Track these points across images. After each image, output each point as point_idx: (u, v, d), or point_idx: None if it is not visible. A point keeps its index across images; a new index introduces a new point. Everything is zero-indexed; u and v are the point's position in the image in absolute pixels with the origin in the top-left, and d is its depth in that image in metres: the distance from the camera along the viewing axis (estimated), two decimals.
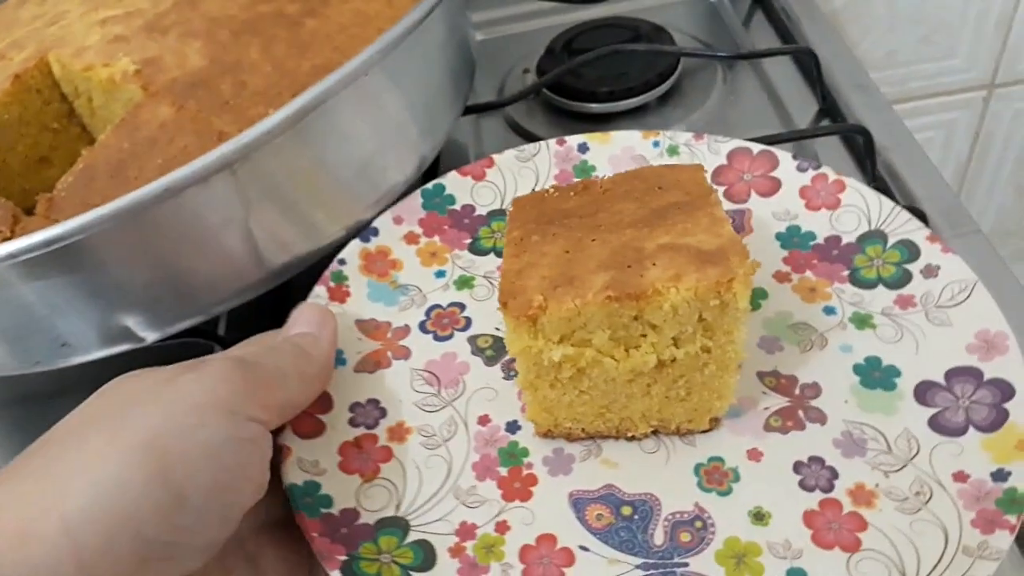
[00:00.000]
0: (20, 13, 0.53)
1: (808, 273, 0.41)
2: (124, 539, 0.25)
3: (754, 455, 0.35)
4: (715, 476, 0.34)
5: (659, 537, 0.33)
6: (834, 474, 0.34)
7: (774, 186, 0.45)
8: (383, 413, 0.37)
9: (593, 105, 0.61)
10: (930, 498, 0.32)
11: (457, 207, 0.45)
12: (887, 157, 0.56)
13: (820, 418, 0.36)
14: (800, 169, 0.44)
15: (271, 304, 0.47)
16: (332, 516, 0.33)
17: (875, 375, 0.37)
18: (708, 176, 0.44)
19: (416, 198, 0.45)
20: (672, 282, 0.31)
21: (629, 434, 0.36)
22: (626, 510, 0.33)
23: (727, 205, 0.45)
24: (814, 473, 0.34)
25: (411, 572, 0.32)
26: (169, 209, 0.34)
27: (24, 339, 0.38)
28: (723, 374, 0.34)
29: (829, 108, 0.60)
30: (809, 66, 0.61)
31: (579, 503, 0.34)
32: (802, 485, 0.34)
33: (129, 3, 0.49)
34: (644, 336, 0.32)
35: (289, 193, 0.39)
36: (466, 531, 0.33)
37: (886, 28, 0.80)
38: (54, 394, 0.48)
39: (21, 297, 0.35)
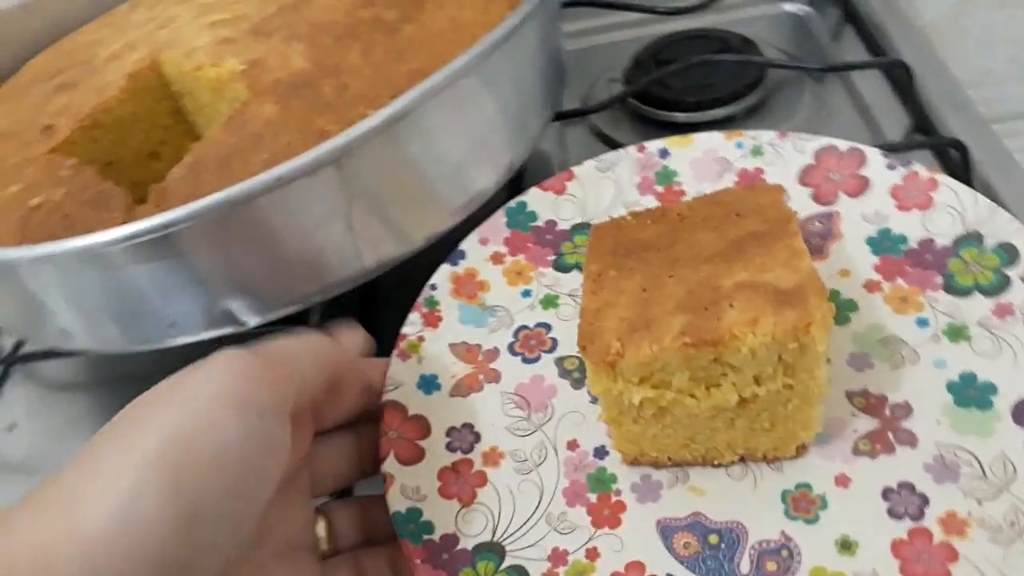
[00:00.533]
0: (132, 17, 0.57)
1: (900, 281, 0.40)
2: (143, 560, 0.24)
3: (842, 481, 0.35)
4: (802, 504, 0.35)
5: (745, 566, 0.34)
6: (924, 501, 0.34)
7: (863, 185, 0.44)
8: (477, 438, 0.39)
9: (679, 115, 0.60)
10: None
11: (540, 223, 0.46)
12: (983, 173, 0.52)
13: (911, 440, 0.35)
14: (890, 167, 0.43)
15: (359, 296, 0.49)
16: (433, 542, 0.36)
17: (970, 393, 0.36)
18: (795, 177, 0.44)
19: (500, 217, 0.46)
20: (749, 327, 0.31)
21: (716, 462, 0.36)
22: (713, 538, 0.35)
23: (814, 208, 0.44)
24: (903, 500, 0.34)
25: None
26: (277, 199, 0.37)
27: (135, 319, 0.42)
28: (807, 407, 0.34)
29: (921, 123, 0.57)
30: (901, 79, 0.58)
31: (667, 531, 0.35)
32: (891, 513, 0.34)
33: (236, 8, 0.52)
34: (724, 375, 0.33)
35: (382, 193, 0.41)
36: (558, 557, 0.35)
37: (981, 45, 0.76)
38: (154, 373, 0.53)
39: (134, 279, 0.39)
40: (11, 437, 0.51)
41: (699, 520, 0.35)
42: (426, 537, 0.36)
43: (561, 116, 0.60)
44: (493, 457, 0.39)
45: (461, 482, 0.38)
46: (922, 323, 0.39)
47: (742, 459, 0.36)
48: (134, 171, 0.51)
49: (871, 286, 0.41)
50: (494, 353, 0.42)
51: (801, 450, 0.36)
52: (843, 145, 0.45)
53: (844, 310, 0.40)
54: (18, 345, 0.54)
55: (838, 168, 0.44)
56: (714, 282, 0.33)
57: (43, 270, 0.39)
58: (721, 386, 0.33)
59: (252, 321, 0.42)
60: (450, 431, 0.40)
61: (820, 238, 0.43)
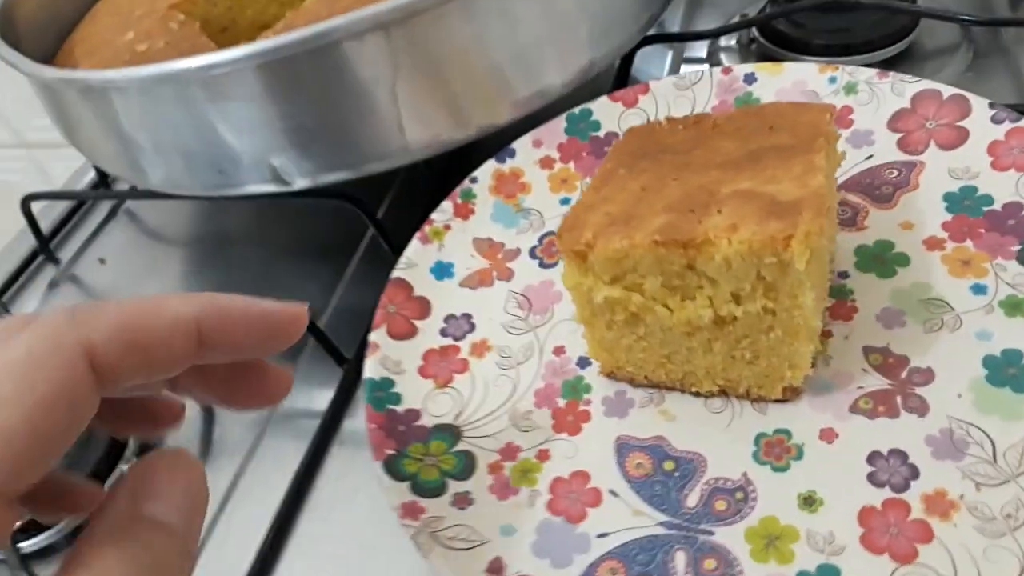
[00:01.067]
0: None
1: (968, 243, 0.35)
2: None
3: (827, 435, 0.31)
4: (775, 450, 0.31)
5: (693, 499, 0.31)
6: (914, 473, 0.29)
7: (959, 137, 0.38)
8: (472, 328, 0.39)
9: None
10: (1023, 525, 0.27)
11: (600, 134, 0.44)
12: None
13: (920, 409, 0.31)
14: (996, 120, 0.37)
15: (427, 197, 0.49)
16: (396, 413, 0.36)
17: (1008, 371, 0.31)
18: (885, 121, 0.39)
19: (560, 121, 0.45)
20: (727, 233, 0.28)
21: (694, 389, 0.34)
22: (668, 465, 0.32)
23: (897, 156, 0.39)
24: (890, 468, 0.30)
25: (448, 478, 0.33)
26: (324, 55, 0.38)
27: (192, 158, 0.44)
28: (792, 340, 0.30)
29: None
30: None
31: (624, 448, 0.33)
32: (872, 479, 0.30)
33: None
34: (700, 288, 0.30)
35: (442, 67, 0.40)
36: (509, 451, 0.34)
37: None
38: (242, 238, 0.56)
39: (199, 115, 0.41)
40: (101, 269, 0.57)
41: (660, 444, 0.33)
42: (390, 407, 0.36)
43: (679, 37, 0.56)
44: (480, 349, 0.38)
45: (443, 365, 0.37)
46: (979, 290, 0.33)
47: (725, 393, 0.33)
48: (244, 40, 0.54)
49: (932, 243, 0.36)
50: (514, 253, 0.41)
51: (790, 394, 0.32)
52: (947, 91, 0.39)
53: (893, 263, 0.35)
54: (130, 190, 0.59)
55: (936, 116, 0.39)
56: (714, 187, 0.30)
57: (127, 98, 0.43)
58: (696, 299, 0.30)
59: (298, 183, 0.43)
60: (448, 318, 0.39)
61: (892, 187, 0.38)
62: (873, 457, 0.30)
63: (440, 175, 0.52)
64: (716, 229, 0.28)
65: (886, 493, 0.29)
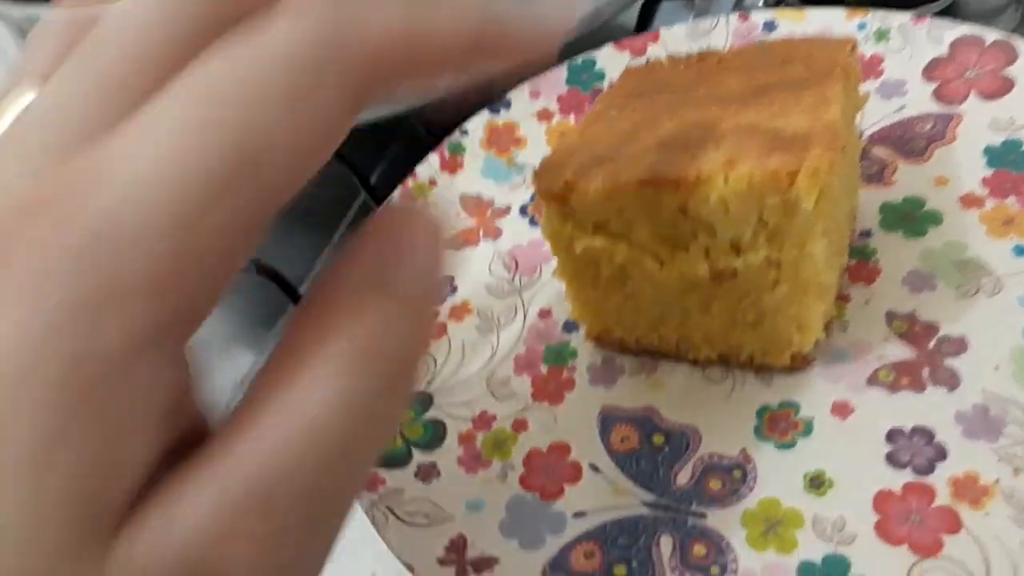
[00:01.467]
0: None
1: (1011, 199, 0.31)
2: None
3: (841, 410, 0.27)
4: (780, 424, 0.28)
5: (684, 476, 0.27)
6: (941, 454, 0.25)
7: (1003, 87, 0.34)
8: (453, 290, 0.35)
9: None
10: None
11: (603, 85, 0.41)
12: None
13: (951, 382, 0.27)
14: None
15: None
16: None
17: None
18: (920, 70, 0.35)
19: (561, 71, 0.41)
20: (724, 169, 0.24)
21: (690, 356, 0.30)
22: (658, 439, 0.28)
23: (932, 107, 0.35)
24: (913, 447, 0.26)
25: (414, 447, 0.30)
26: None
27: None
28: (801, 298, 0.26)
29: None
30: None
31: (608, 420, 0.29)
32: (891, 459, 0.26)
33: None
34: (695, 237, 0.26)
35: None
36: (483, 421, 0.30)
37: None
38: None
39: None
40: None
41: (650, 416, 0.29)
42: None
43: None
44: (460, 312, 0.34)
45: None
46: (1021, 252, 0.29)
47: (725, 362, 0.30)
48: None
49: (969, 201, 0.31)
50: (504, 211, 0.38)
51: (800, 362, 0.28)
52: (991, 36, 0.35)
53: (923, 221, 0.31)
54: None
55: (978, 63, 0.35)
56: (713, 123, 0.27)
57: None
58: (689, 250, 0.26)
59: None
60: None
61: (926, 140, 0.34)
62: (893, 435, 0.26)
63: (440, 140, 0.49)
64: (712, 164, 0.25)
65: (907, 476, 0.25)
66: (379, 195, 0.47)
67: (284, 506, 0.13)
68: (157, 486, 0.13)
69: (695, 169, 0.25)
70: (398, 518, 0.27)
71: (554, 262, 0.34)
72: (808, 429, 0.27)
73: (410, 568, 0.26)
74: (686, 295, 0.28)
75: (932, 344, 0.28)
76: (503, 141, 0.40)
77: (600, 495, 0.27)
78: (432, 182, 0.39)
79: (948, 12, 0.50)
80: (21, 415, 0.12)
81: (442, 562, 0.26)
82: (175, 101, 0.13)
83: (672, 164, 0.25)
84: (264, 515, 0.13)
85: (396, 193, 0.38)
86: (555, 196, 0.27)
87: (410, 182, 0.38)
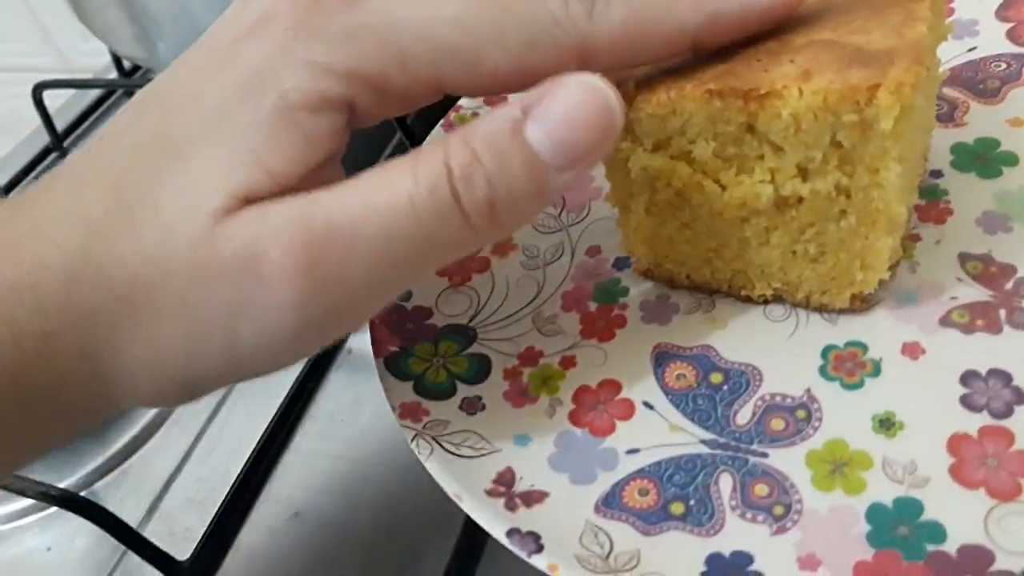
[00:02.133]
0: None
1: None
2: None
3: (912, 350, 0.26)
4: (847, 364, 0.26)
5: (744, 416, 0.26)
6: (1020, 398, 0.24)
7: None
8: None
9: None
10: None
11: None
12: None
13: None
14: None
15: None
16: (403, 309, 0.31)
17: None
18: (993, 9, 0.33)
19: None
20: (799, 81, 0.23)
21: (744, 293, 0.28)
22: (716, 377, 0.27)
23: (1006, 47, 0.33)
24: (990, 390, 0.24)
25: (458, 380, 0.29)
26: None
27: None
28: (868, 232, 0.25)
29: None
30: None
31: (663, 357, 0.28)
32: (966, 402, 0.24)
33: None
34: (761, 158, 0.25)
35: None
36: (530, 357, 0.29)
37: None
38: None
39: None
40: None
41: (708, 355, 0.28)
42: (398, 302, 0.31)
43: None
44: (504, 247, 0.33)
45: (461, 263, 0.33)
46: None
47: (780, 299, 0.28)
48: None
49: None
50: None
51: (859, 303, 0.27)
52: None
53: (998, 163, 0.30)
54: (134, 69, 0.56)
55: None
56: (788, 37, 0.25)
57: None
58: (754, 172, 0.25)
59: None
60: None
61: (1000, 80, 0.32)
62: (968, 377, 0.25)
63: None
64: (786, 78, 0.23)
65: (983, 419, 0.24)
66: (415, 136, 0.46)
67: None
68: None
69: (767, 81, 0.23)
70: (443, 448, 0.26)
71: (602, 199, 0.32)
72: (877, 370, 0.26)
73: (457, 498, 0.24)
74: (745, 224, 0.26)
75: (1009, 286, 0.26)
76: None
77: (654, 432, 0.26)
78: (475, 114, 0.37)
79: None
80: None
81: (490, 493, 0.25)
82: None
83: (743, 75, 0.24)
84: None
85: (438, 127, 0.37)
86: None
87: (453, 115, 0.37)
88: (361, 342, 0.39)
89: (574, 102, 0.20)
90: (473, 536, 0.31)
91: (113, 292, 0.20)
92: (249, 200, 0.20)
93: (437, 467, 0.25)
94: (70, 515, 0.31)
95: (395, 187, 0.20)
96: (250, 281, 0.20)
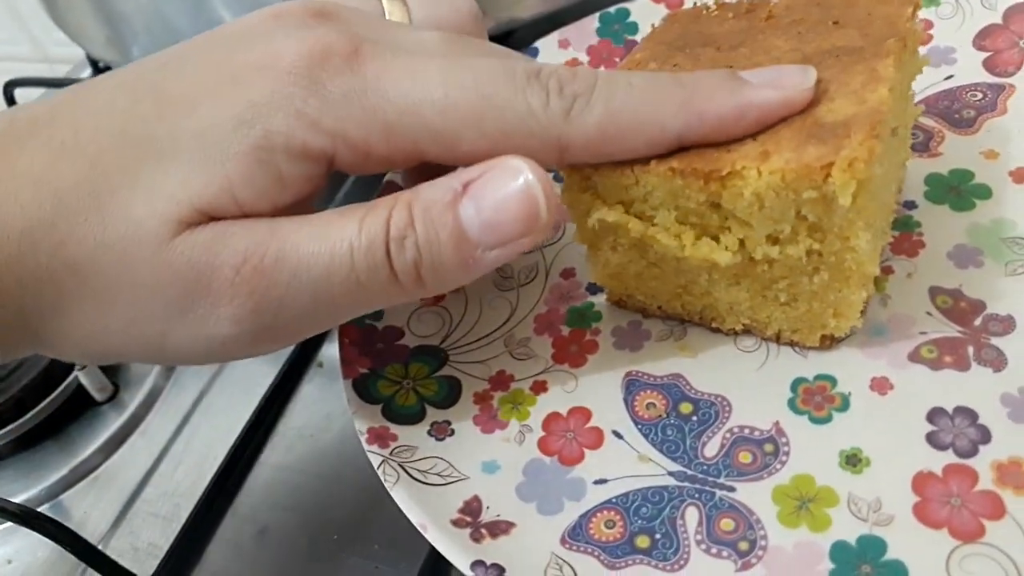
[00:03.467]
0: None
1: None
2: None
3: (880, 386, 0.26)
4: (816, 398, 0.26)
5: (712, 448, 0.26)
6: (985, 437, 0.24)
7: None
8: None
9: None
10: None
11: (637, 38, 0.39)
12: None
13: (997, 363, 0.26)
14: None
15: None
16: (374, 329, 0.31)
17: None
18: (971, 38, 0.34)
19: (592, 21, 0.39)
20: (757, 162, 0.23)
21: (714, 325, 0.28)
22: (685, 407, 0.27)
23: (982, 77, 0.33)
24: (956, 429, 0.24)
25: (427, 404, 0.29)
26: None
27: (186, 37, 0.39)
28: (841, 286, 0.25)
29: None
30: None
31: (633, 385, 0.28)
32: (932, 440, 0.24)
33: None
34: (727, 229, 0.25)
35: None
36: (501, 381, 0.29)
37: None
38: None
39: None
40: None
41: (677, 384, 0.28)
42: (369, 322, 0.31)
43: None
44: None
45: None
46: None
47: (749, 332, 0.28)
48: None
49: (1020, 176, 0.30)
50: None
51: (828, 342, 0.27)
52: None
53: (971, 195, 0.30)
54: None
55: None
56: None
57: None
58: (720, 240, 0.25)
59: None
60: None
61: (976, 111, 0.32)
62: (935, 415, 0.25)
63: None
64: (745, 158, 0.23)
65: (949, 457, 0.24)
66: None
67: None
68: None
69: (728, 161, 0.23)
70: (410, 475, 0.26)
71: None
72: (845, 404, 0.26)
73: (423, 528, 0.24)
74: (713, 268, 0.26)
75: (978, 322, 0.27)
76: None
77: (623, 462, 0.26)
78: None
79: None
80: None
81: (456, 523, 0.25)
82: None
83: (704, 154, 0.24)
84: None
85: None
86: (579, 169, 0.26)
87: None
88: (333, 356, 0.39)
89: (505, 191, 0.21)
90: (438, 558, 0.30)
91: (67, 267, 0.21)
92: (213, 217, 0.22)
93: (403, 495, 0.25)
94: None
95: (341, 235, 0.22)
96: (200, 291, 0.21)
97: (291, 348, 0.38)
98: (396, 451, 0.27)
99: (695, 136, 0.24)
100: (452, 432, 0.28)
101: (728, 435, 0.26)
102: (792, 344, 0.28)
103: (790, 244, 0.25)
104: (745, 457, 0.25)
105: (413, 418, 0.28)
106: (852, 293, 0.25)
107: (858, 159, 0.22)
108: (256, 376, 0.38)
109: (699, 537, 0.24)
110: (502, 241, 0.22)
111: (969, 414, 0.25)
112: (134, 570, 0.31)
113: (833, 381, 0.26)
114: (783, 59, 0.26)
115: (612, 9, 0.39)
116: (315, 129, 0.22)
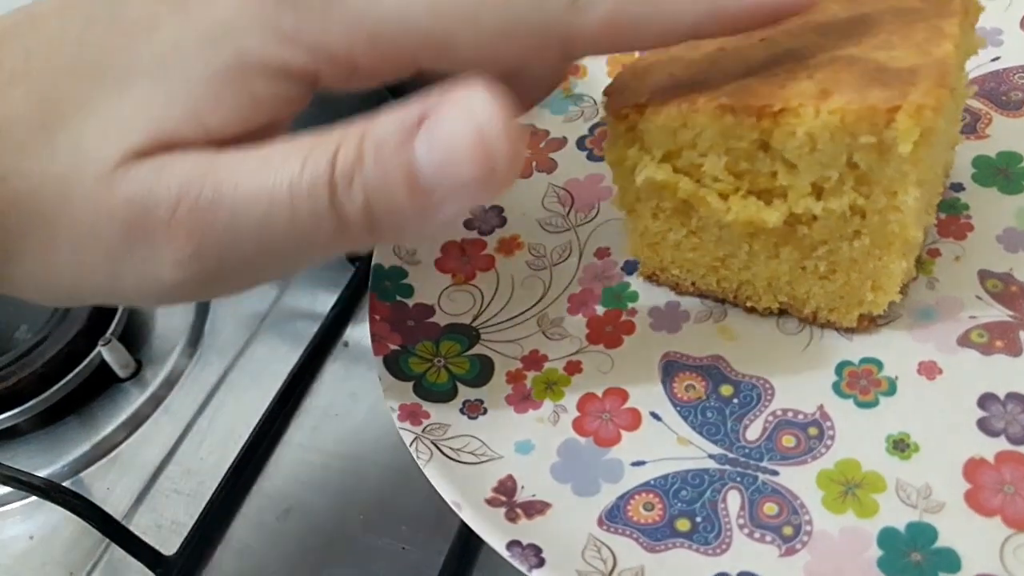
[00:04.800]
0: None
1: None
2: None
3: (928, 370, 0.25)
4: (861, 382, 0.26)
5: (754, 431, 0.25)
6: None
7: None
8: (503, 222, 0.33)
9: None
10: None
11: None
12: None
13: None
14: None
15: None
16: (404, 306, 0.30)
17: None
18: (1020, 19, 0.33)
19: None
20: (816, 100, 0.22)
21: (749, 304, 0.28)
22: (726, 390, 0.26)
23: None
24: (1007, 415, 0.24)
25: (459, 382, 0.28)
26: None
27: None
28: (883, 254, 0.24)
29: None
30: None
31: (671, 367, 0.27)
32: (983, 426, 0.24)
33: None
34: (774, 175, 0.24)
35: None
36: (534, 361, 0.29)
37: None
38: None
39: None
40: None
41: (717, 366, 0.27)
42: (399, 299, 0.31)
43: None
44: (510, 245, 0.32)
45: (465, 260, 0.32)
46: None
47: (785, 312, 0.27)
48: None
49: None
50: (560, 143, 0.35)
51: (866, 323, 0.26)
52: None
53: (1020, 178, 0.29)
54: None
55: None
56: (809, 52, 0.24)
57: None
58: (772, 201, 0.24)
59: None
60: (476, 208, 0.34)
61: (1023, 93, 0.32)
62: (986, 400, 0.24)
63: None
64: (802, 96, 0.22)
65: (1001, 444, 0.23)
66: None
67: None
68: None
69: (782, 98, 0.22)
70: (443, 453, 0.25)
71: (611, 202, 0.32)
72: (892, 388, 0.25)
73: (456, 507, 0.24)
74: (754, 236, 0.26)
75: None
76: None
77: (661, 444, 0.25)
78: None
79: None
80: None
81: (491, 502, 0.24)
82: None
83: (757, 91, 0.23)
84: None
85: None
86: (624, 117, 0.25)
87: None
88: (359, 335, 0.38)
89: (457, 131, 0.18)
90: (468, 539, 0.30)
91: (11, 204, 0.20)
92: (172, 146, 0.19)
93: (436, 473, 0.24)
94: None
95: (280, 174, 0.18)
96: (136, 232, 0.19)
97: (315, 328, 0.38)
98: (428, 429, 0.26)
99: (710, 26, 0.21)
100: (485, 411, 0.27)
101: (771, 418, 0.25)
102: (829, 325, 0.27)
103: (834, 196, 0.24)
104: (788, 441, 0.25)
105: (445, 396, 0.27)
106: (892, 262, 0.25)
107: (926, 106, 0.21)
108: (281, 354, 0.37)
109: (741, 521, 0.23)
110: (454, 190, 0.18)
111: (1022, 400, 0.24)
112: (157, 547, 0.31)
113: (879, 365, 0.26)
114: (836, 21, 0.26)
115: None
116: (293, 44, 0.19)
